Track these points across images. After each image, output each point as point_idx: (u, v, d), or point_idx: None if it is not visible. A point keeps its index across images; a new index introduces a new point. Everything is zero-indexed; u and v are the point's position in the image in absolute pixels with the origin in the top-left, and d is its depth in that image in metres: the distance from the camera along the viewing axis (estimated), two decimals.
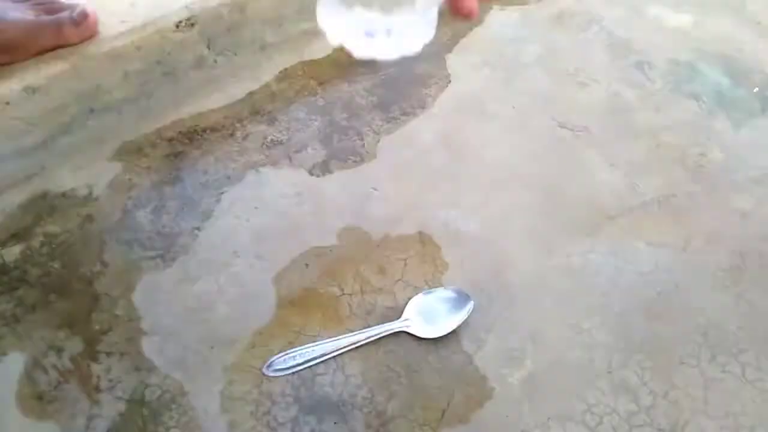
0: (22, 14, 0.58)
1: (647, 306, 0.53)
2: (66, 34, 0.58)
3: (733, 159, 0.65)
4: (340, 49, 0.82)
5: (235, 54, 0.71)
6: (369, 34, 0.31)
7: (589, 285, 0.54)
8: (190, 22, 0.64)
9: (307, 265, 0.56)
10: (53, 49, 0.59)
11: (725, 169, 0.64)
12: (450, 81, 0.74)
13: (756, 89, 0.73)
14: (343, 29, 0.31)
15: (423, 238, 0.58)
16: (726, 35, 0.81)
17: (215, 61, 0.69)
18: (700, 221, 0.59)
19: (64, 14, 0.59)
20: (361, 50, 0.32)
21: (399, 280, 0.54)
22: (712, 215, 0.59)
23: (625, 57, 0.78)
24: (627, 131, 0.68)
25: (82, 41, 0.60)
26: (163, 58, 0.64)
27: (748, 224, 0.58)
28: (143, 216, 0.59)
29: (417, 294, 0.52)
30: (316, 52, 0.76)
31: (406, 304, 0.52)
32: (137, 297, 0.53)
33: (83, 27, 0.59)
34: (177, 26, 0.64)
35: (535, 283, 0.54)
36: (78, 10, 0.59)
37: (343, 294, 0.54)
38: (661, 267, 0.55)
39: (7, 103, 0.56)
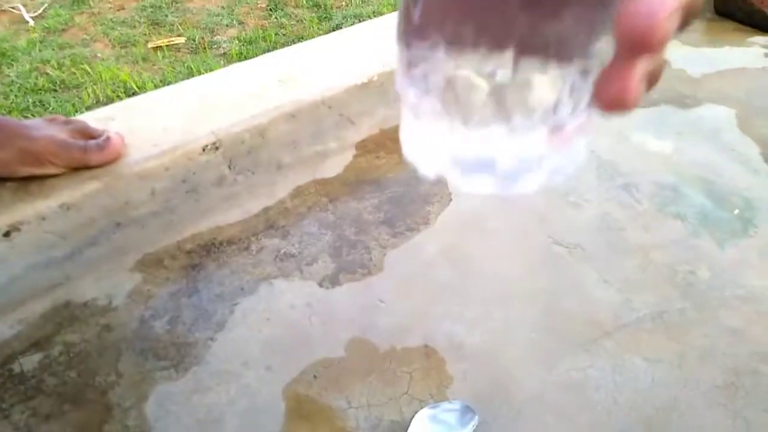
0: (55, 134, 0.64)
1: (647, 422, 0.54)
2: (90, 157, 0.64)
3: (720, 277, 0.68)
4: (350, 168, 0.88)
5: (254, 173, 0.77)
6: (485, 163, 0.20)
7: (589, 400, 0.56)
8: (215, 146, 0.71)
9: (315, 376, 0.58)
10: (79, 168, 0.64)
11: (713, 286, 0.67)
12: (451, 199, 0.79)
13: (737, 211, 0.78)
14: (445, 156, 0.21)
15: (428, 351, 0.60)
16: (704, 160, 0.88)
17: (235, 180, 0.75)
18: (693, 338, 0.61)
19: (92, 140, 0.65)
20: (475, 184, 0.21)
21: (405, 393, 0.56)
22: (704, 332, 0.62)
23: (613, 179, 0.84)
24: (618, 249, 0.72)
25: (104, 164, 0.65)
26: (188, 178, 0.70)
27: (739, 342, 0.61)
28: (159, 326, 0.62)
29: (423, 408, 0.54)
30: (328, 171, 0.82)
31: (412, 418, 0.53)
32: (150, 408, 0.54)
33: (106, 152, 0.65)
34: (203, 149, 0.70)
35: (537, 397, 0.56)
36: (104, 136, 0.65)
37: (350, 407, 0.55)
38: (658, 383, 0.57)
39: (44, 219, 0.60)
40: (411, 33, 0.19)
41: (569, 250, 0.72)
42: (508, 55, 0.18)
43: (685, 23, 0.18)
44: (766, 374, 0.57)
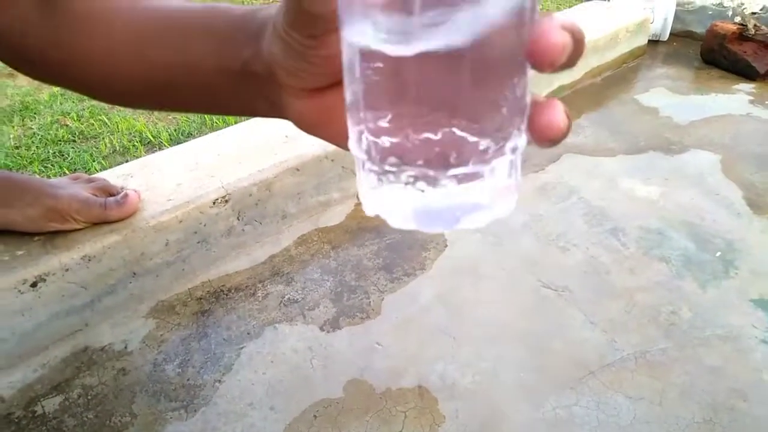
0: (78, 192, 0.70)
1: None
2: (109, 213, 0.70)
3: (701, 318, 0.72)
4: (351, 217, 0.93)
5: (260, 223, 0.82)
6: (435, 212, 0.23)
7: None
8: (224, 199, 0.76)
9: (315, 416, 0.61)
10: (100, 223, 0.70)
11: (695, 326, 0.71)
12: (447, 245, 0.84)
13: (718, 253, 0.82)
14: (392, 204, 0.23)
15: (422, 391, 0.64)
16: (689, 205, 0.92)
17: (243, 230, 0.80)
18: (674, 376, 0.65)
19: (111, 197, 0.71)
20: (426, 227, 0.23)
21: (400, 431, 0.59)
22: (684, 370, 0.65)
23: (601, 224, 0.88)
24: (605, 291, 0.76)
25: (123, 219, 0.71)
26: (199, 229, 0.75)
27: (718, 379, 0.64)
28: (171, 369, 0.66)
29: None
30: (330, 220, 0.87)
31: None
32: None
33: (125, 208, 0.71)
34: (214, 202, 0.75)
35: None
36: (122, 193, 0.71)
37: None
38: (640, 419, 0.60)
39: (67, 270, 0.66)
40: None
41: (558, 293, 0.76)
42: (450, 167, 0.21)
43: (576, 51, 0.21)
44: (742, 410, 0.60)
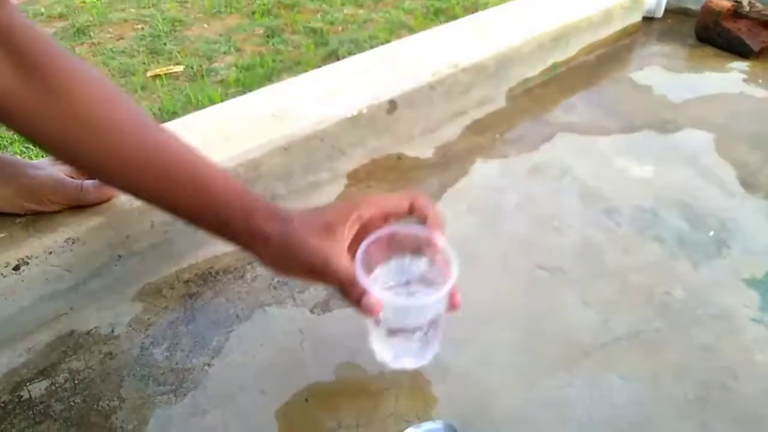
0: (55, 173, 0.67)
1: None
2: (85, 196, 0.68)
3: (694, 297, 0.71)
4: (342, 198, 0.92)
5: None
6: (405, 354, 0.59)
7: (566, 418, 0.58)
8: None
9: (307, 399, 0.61)
10: (76, 206, 0.68)
11: (688, 306, 0.70)
12: None
13: (712, 233, 0.82)
14: (387, 352, 0.59)
15: (414, 373, 0.63)
16: (683, 184, 0.92)
17: None
18: (667, 355, 0.64)
19: (89, 180, 0.68)
20: (398, 365, 0.60)
21: (391, 413, 0.59)
22: (677, 350, 0.65)
23: (595, 204, 0.88)
24: (598, 272, 0.76)
25: (100, 203, 0.69)
26: None
27: (710, 358, 0.64)
28: (159, 353, 0.65)
29: (407, 427, 0.57)
30: (321, 200, 0.86)
31: None
32: (151, 430, 0.57)
33: (102, 191, 0.69)
34: None
35: (518, 416, 0.59)
36: None
37: (340, 428, 0.58)
38: (633, 399, 0.60)
39: (50, 253, 0.64)
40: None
41: (551, 274, 0.76)
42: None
43: None
44: (732, 388, 0.60)
